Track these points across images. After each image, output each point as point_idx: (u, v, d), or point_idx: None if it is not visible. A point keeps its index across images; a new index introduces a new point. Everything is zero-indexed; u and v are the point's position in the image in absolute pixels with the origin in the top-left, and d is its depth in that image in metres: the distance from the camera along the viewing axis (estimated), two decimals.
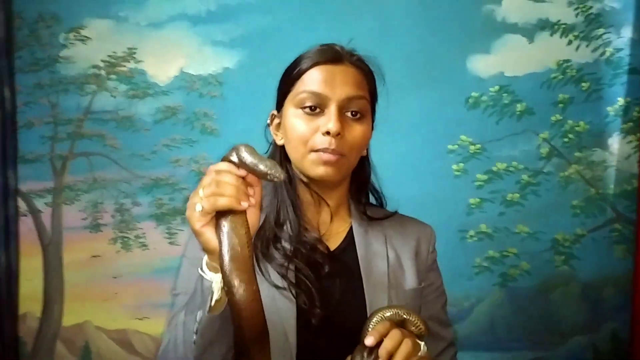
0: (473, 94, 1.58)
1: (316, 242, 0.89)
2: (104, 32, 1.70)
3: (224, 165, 0.69)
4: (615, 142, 1.56)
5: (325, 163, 0.86)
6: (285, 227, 0.90)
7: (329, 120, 0.85)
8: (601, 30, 1.53)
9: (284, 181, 0.90)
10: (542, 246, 1.57)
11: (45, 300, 1.73)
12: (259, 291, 0.66)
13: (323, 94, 0.86)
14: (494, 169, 1.59)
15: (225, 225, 0.67)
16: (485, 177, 1.59)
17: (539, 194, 1.57)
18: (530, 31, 1.56)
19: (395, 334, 0.74)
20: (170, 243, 1.70)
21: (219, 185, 0.67)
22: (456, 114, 1.58)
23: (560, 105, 1.56)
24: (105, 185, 1.72)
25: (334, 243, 0.93)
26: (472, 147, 1.59)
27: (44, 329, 1.73)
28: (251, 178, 0.70)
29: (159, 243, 1.70)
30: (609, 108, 1.55)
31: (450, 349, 0.98)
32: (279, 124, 0.93)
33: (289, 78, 0.91)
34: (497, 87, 1.57)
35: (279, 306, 0.84)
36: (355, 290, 0.89)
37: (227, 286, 0.65)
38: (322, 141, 0.85)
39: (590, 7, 1.53)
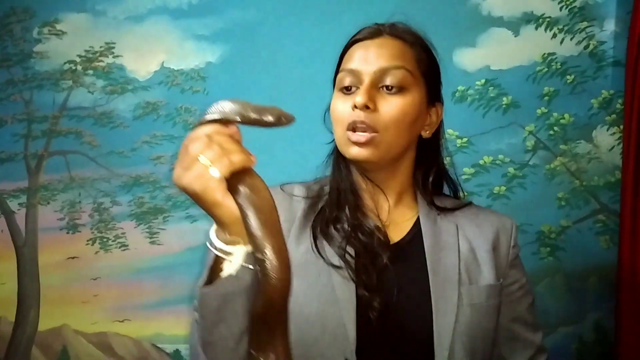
0: (459, 87, 1.58)
1: (374, 229, 0.83)
2: (80, 27, 1.65)
3: (210, 128, 0.59)
4: (599, 134, 1.57)
5: (355, 143, 0.81)
6: (345, 210, 0.85)
7: (358, 94, 0.81)
8: (585, 24, 1.54)
9: (341, 167, 0.87)
10: (528, 238, 1.57)
11: (20, 304, 1.66)
12: (289, 260, 0.59)
13: (357, 70, 0.83)
14: (481, 162, 1.59)
15: (245, 188, 0.59)
16: (471, 170, 1.59)
17: (525, 186, 1.58)
18: (515, 25, 1.56)
19: None
20: (151, 243, 1.66)
21: (222, 145, 0.58)
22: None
23: (546, 98, 1.57)
24: (83, 184, 1.67)
25: (398, 234, 0.86)
26: (458, 141, 1.58)
27: (19, 334, 1.67)
28: (238, 135, 0.62)
29: (139, 243, 1.65)
30: (593, 100, 1.56)
31: (540, 355, 0.91)
32: None
33: (338, 62, 0.89)
34: (483, 81, 1.57)
35: (338, 296, 0.77)
36: (420, 285, 0.80)
37: (259, 254, 0.57)
38: (352, 115, 0.81)
39: (574, 0, 1.54)
